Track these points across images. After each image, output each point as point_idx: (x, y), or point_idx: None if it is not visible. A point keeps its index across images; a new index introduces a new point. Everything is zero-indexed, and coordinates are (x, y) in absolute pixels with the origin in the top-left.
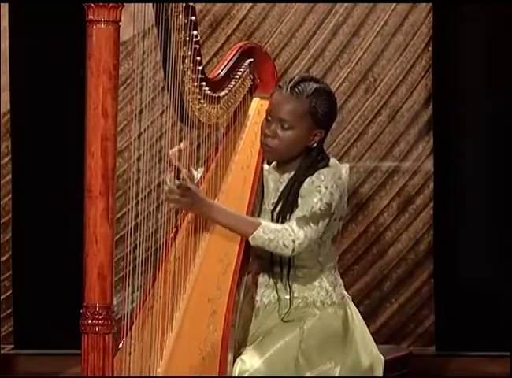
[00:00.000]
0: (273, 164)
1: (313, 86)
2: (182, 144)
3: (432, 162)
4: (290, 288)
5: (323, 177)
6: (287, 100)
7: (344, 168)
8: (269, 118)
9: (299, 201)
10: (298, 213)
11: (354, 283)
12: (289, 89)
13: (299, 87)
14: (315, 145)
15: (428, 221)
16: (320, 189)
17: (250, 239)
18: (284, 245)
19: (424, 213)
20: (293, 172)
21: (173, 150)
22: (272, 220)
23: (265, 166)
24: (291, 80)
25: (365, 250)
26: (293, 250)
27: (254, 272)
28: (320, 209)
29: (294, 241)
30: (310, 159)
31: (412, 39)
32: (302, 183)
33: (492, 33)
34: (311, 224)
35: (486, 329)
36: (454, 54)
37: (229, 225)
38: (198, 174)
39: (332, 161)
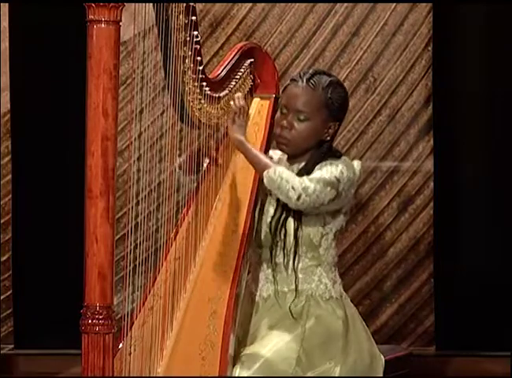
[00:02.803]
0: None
1: (327, 78)
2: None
3: (432, 162)
4: (295, 278)
5: (334, 161)
6: (303, 92)
7: (356, 162)
8: (285, 111)
9: None
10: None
11: (354, 283)
12: (305, 81)
13: (315, 79)
14: (328, 138)
15: (428, 221)
16: (332, 166)
17: (264, 175)
18: (293, 188)
19: (424, 213)
20: (303, 163)
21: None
22: (277, 208)
23: (277, 152)
24: (305, 73)
25: (365, 250)
26: (299, 196)
27: (252, 267)
28: (329, 178)
29: (303, 189)
30: (322, 151)
31: (412, 39)
32: (310, 171)
33: (492, 33)
34: (321, 184)
35: (486, 329)
36: (454, 54)
37: (252, 161)
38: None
39: (343, 157)
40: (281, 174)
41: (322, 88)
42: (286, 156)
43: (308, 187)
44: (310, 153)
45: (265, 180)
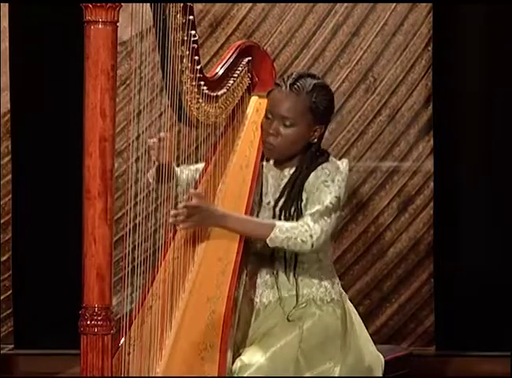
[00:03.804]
0: (272, 161)
1: (311, 82)
2: (162, 134)
3: (432, 162)
4: (296, 284)
5: (328, 171)
6: (287, 97)
7: (344, 162)
8: (270, 116)
9: (304, 196)
10: (310, 209)
11: (354, 283)
12: (288, 86)
13: (298, 84)
14: (315, 140)
15: (428, 221)
16: (328, 184)
17: (267, 241)
18: (302, 241)
19: (424, 213)
20: (294, 168)
21: (152, 139)
22: (274, 216)
23: (264, 163)
24: (289, 77)
25: (365, 250)
26: (312, 244)
27: (251, 273)
28: (331, 203)
29: (311, 236)
30: (311, 154)
31: (412, 39)
32: (305, 177)
33: (492, 33)
34: (325, 218)
35: (486, 329)
36: (454, 54)
37: (245, 232)
38: (194, 167)
39: (331, 157)
40: (284, 233)
41: (306, 92)
42: (272, 161)
43: (316, 231)
44: (299, 157)
45: (271, 244)
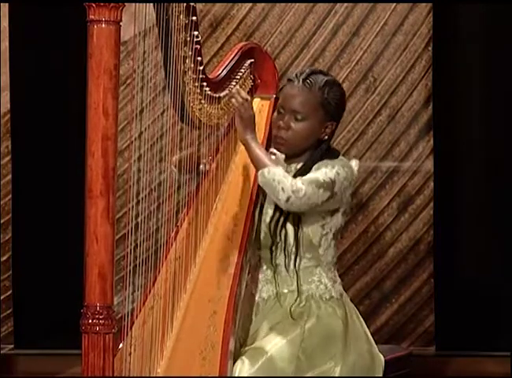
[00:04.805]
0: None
1: (323, 78)
2: None
3: (432, 162)
4: (297, 277)
5: (331, 161)
6: (299, 92)
7: (354, 161)
8: (282, 111)
9: None
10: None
11: (354, 283)
12: (301, 81)
13: (311, 79)
14: (326, 137)
15: (428, 221)
16: (327, 166)
17: (259, 173)
18: (282, 189)
19: (424, 213)
20: (301, 164)
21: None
22: (276, 209)
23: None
24: (302, 73)
25: (365, 250)
26: (288, 198)
27: (252, 268)
28: (323, 179)
29: (293, 192)
30: (320, 152)
31: (412, 39)
32: (308, 172)
33: (492, 33)
34: (313, 186)
35: (486, 329)
36: (454, 54)
37: (252, 156)
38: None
39: (341, 156)
40: (274, 175)
41: (318, 88)
42: (283, 155)
43: (299, 190)
44: (308, 153)
45: (259, 179)
